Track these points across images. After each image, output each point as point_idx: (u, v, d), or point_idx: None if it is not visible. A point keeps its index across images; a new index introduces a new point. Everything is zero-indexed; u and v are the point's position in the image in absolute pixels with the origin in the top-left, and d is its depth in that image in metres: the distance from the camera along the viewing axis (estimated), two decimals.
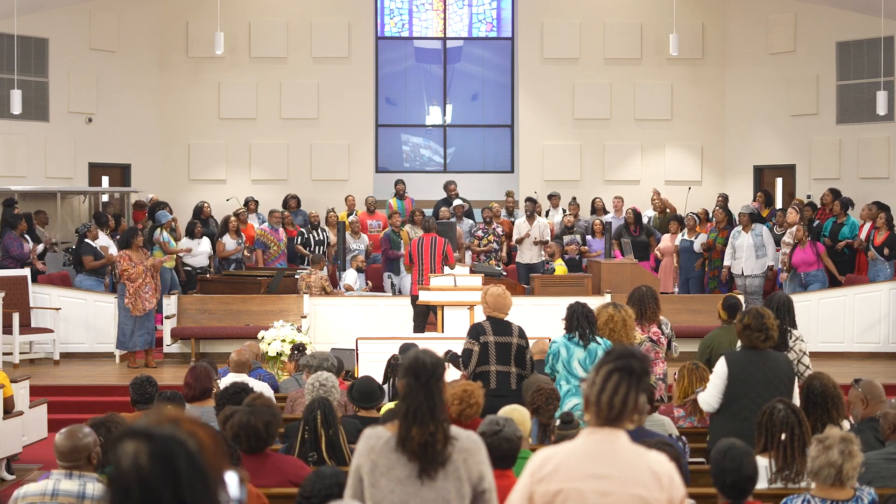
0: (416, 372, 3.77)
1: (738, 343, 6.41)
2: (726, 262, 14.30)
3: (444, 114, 19.32)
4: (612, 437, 3.27)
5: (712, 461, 4.40)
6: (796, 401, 5.96)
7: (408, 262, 12.71)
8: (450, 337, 10.33)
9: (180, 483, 2.09)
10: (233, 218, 15.58)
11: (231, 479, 2.40)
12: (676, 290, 14.81)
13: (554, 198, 16.98)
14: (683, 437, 6.16)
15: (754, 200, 16.52)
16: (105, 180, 17.57)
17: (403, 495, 3.70)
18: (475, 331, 7.46)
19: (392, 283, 15.07)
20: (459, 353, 7.57)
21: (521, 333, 7.46)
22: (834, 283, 14.11)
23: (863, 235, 14.17)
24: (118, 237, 13.92)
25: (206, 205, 16.29)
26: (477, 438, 3.84)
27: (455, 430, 3.79)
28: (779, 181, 17.83)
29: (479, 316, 7.66)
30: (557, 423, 6.17)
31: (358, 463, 3.77)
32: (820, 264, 13.78)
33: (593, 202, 16.76)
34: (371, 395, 6.86)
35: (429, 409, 3.71)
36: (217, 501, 2.17)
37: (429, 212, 15.83)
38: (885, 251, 13.69)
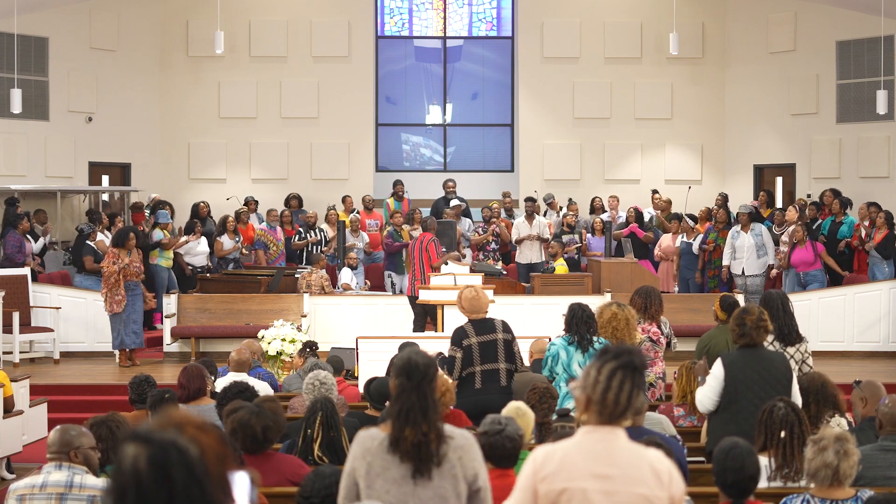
0: (408, 372, 3.77)
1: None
2: (725, 262, 14.29)
3: (444, 113, 19.31)
4: (611, 435, 3.26)
5: (715, 460, 4.40)
6: (797, 398, 5.99)
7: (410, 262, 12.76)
8: (450, 336, 10.33)
9: (174, 490, 2.11)
10: (230, 218, 15.61)
11: (242, 480, 2.42)
12: (676, 289, 14.81)
13: (552, 201, 16.96)
14: (678, 436, 6.16)
15: (756, 199, 16.49)
16: (105, 179, 17.59)
17: (400, 495, 3.71)
18: (457, 336, 7.44)
19: (392, 282, 15.07)
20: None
21: (505, 327, 7.42)
22: (835, 281, 14.12)
23: (861, 234, 14.20)
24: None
25: (202, 204, 16.33)
26: (469, 436, 3.85)
27: (449, 428, 3.80)
28: (779, 180, 17.85)
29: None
30: (554, 418, 6.19)
31: (353, 465, 3.78)
32: (819, 264, 13.78)
33: (592, 201, 16.78)
34: (388, 396, 6.88)
35: (421, 409, 3.72)
36: None
37: (426, 211, 15.83)
38: (884, 249, 13.70)
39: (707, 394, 6.16)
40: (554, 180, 18.14)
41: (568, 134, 18.56)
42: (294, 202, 16.86)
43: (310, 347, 9.74)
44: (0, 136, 16.37)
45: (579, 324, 7.13)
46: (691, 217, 15.30)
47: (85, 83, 17.38)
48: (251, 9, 18.29)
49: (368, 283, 14.83)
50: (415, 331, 12.14)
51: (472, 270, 12.97)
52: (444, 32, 19.27)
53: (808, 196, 16.73)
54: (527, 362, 8.27)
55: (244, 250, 15.47)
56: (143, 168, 18.03)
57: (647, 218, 16.29)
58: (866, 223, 14.25)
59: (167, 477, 2.12)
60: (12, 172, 16.40)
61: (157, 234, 14.78)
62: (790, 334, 6.96)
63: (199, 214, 16.07)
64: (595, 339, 7.12)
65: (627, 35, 18.47)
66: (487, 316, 7.45)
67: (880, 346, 13.43)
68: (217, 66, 18.21)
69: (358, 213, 16.33)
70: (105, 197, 17.00)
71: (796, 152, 17.84)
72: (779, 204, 16.79)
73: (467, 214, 16.44)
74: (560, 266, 14.44)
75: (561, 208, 16.75)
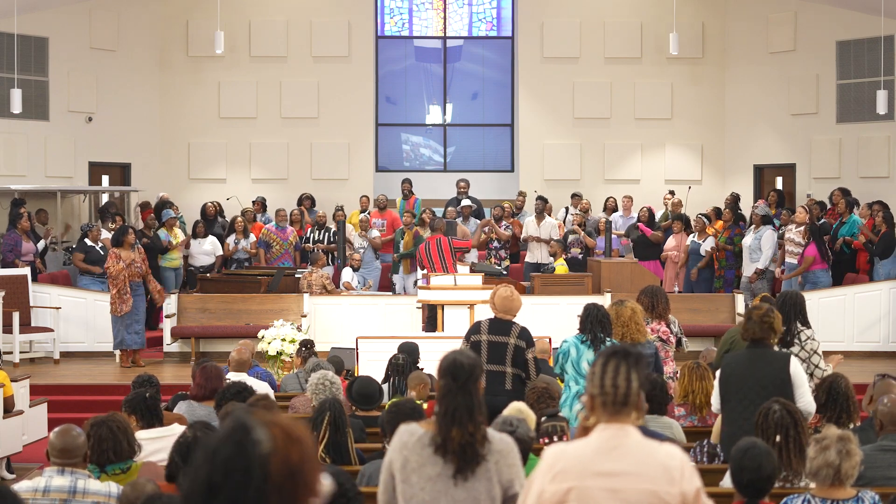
0: (453, 373, 3.76)
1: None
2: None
3: (444, 113, 19.31)
4: (622, 432, 3.30)
5: (732, 459, 4.43)
6: (801, 400, 5.95)
7: (427, 266, 12.71)
8: (450, 336, 10.34)
9: (214, 470, 2.12)
10: (239, 218, 15.61)
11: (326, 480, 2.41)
12: (677, 289, 14.79)
13: (576, 198, 16.84)
14: (709, 440, 6.14)
15: (764, 199, 16.39)
16: (105, 179, 17.60)
17: (434, 493, 3.72)
18: (470, 330, 7.47)
19: (393, 282, 15.08)
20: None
21: (523, 335, 7.26)
22: (835, 281, 14.10)
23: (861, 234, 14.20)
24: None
25: (209, 204, 16.32)
26: (510, 441, 3.84)
27: (490, 432, 3.80)
28: (779, 180, 17.84)
29: (482, 316, 7.62)
30: (543, 419, 6.19)
31: (390, 458, 3.80)
32: (824, 264, 13.76)
33: (606, 201, 16.77)
34: (371, 396, 6.87)
35: (467, 409, 3.72)
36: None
37: (439, 211, 15.81)
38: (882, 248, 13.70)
39: (713, 393, 6.26)
40: (554, 180, 18.14)
41: (568, 134, 18.56)
42: (307, 202, 16.85)
43: (306, 346, 9.66)
44: (0, 136, 16.37)
45: (593, 323, 7.11)
46: (705, 217, 15.25)
47: (85, 83, 17.38)
48: (251, 9, 18.29)
49: (371, 282, 14.81)
50: (425, 331, 12.11)
51: (472, 270, 12.97)
52: (444, 32, 19.27)
53: (808, 196, 16.72)
54: None
55: (248, 248, 15.46)
56: (143, 168, 18.03)
57: (658, 218, 16.27)
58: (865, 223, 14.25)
59: (211, 455, 2.15)
60: (12, 172, 16.40)
61: (162, 234, 14.79)
62: (785, 336, 6.95)
63: (207, 215, 16.06)
64: (607, 339, 7.09)
65: (627, 35, 18.47)
66: (514, 320, 7.36)
67: (880, 346, 13.43)
68: (217, 66, 18.20)
69: (368, 213, 16.27)
70: (105, 197, 17.00)
71: (796, 152, 17.84)
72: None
73: (478, 215, 16.41)
74: (560, 266, 14.42)
75: (568, 210, 16.67)
